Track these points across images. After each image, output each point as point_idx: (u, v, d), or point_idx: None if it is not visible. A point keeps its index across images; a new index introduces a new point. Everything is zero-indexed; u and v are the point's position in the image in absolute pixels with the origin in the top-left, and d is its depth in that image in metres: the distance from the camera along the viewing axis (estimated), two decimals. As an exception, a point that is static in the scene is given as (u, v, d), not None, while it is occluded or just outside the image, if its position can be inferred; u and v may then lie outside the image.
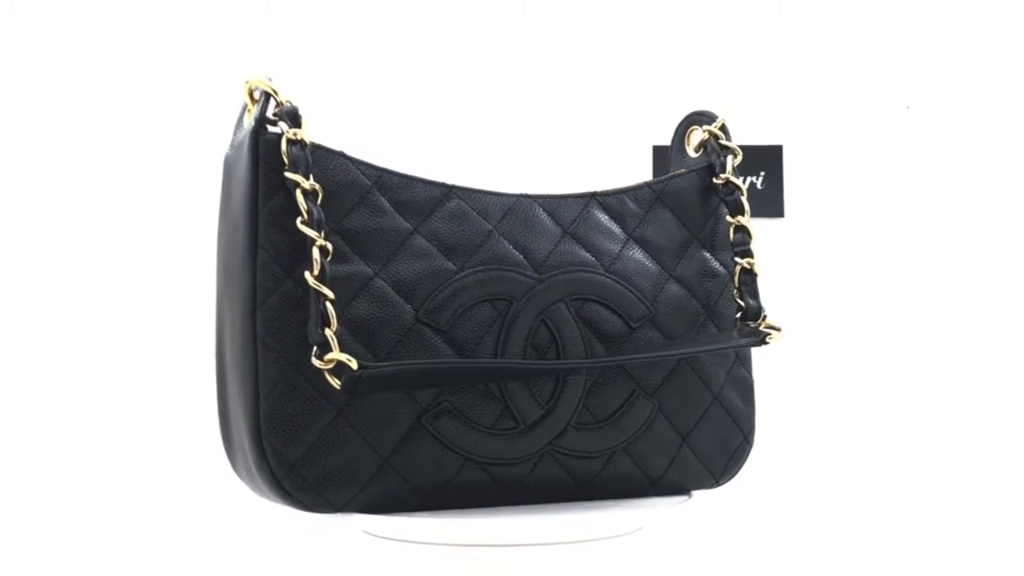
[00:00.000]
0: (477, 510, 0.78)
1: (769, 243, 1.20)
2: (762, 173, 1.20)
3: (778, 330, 0.82)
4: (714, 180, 0.87)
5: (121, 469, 1.17)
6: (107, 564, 1.06)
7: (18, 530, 1.12)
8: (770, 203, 1.20)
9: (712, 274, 0.85)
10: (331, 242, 0.73)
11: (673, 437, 0.82)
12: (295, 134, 0.72)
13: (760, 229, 1.20)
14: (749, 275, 0.84)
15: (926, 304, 1.21)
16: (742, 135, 1.21)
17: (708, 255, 0.86)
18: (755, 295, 0.84)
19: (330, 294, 0.71)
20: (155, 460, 1.18)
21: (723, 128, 0.89)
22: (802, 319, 1.20)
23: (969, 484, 1.17)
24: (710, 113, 0.89)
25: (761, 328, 0.82)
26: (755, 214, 1.19)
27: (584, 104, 1.21)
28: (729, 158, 0.88)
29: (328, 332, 0.70)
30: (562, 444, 0.78)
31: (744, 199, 0.87)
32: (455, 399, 0.75)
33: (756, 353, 1.24)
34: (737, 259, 0.85)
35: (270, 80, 0.74)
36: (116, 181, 1.22)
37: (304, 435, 0.72)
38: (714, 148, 0.88)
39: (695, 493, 0.84)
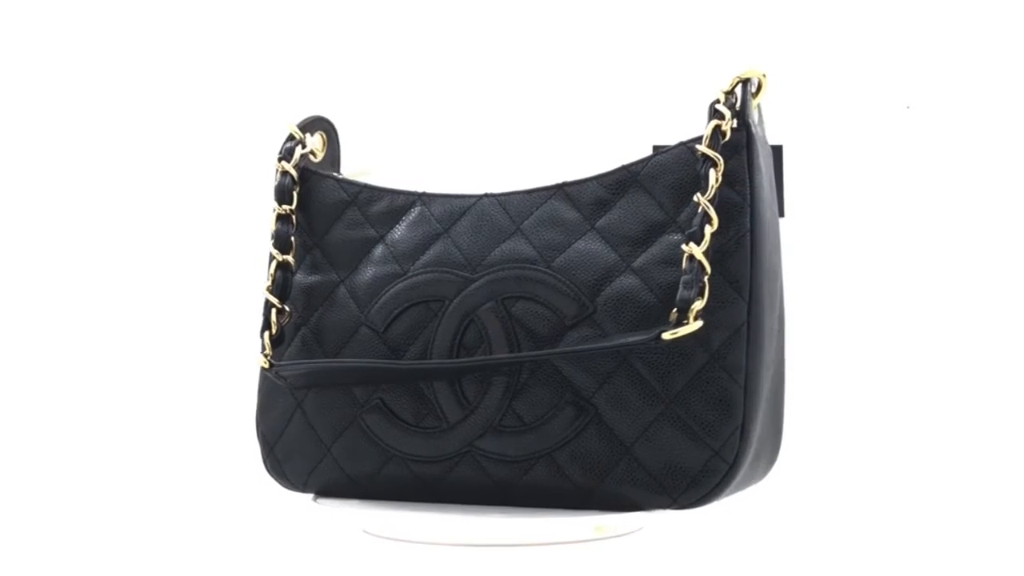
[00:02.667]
0: (477, 509, 0.78)
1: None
2: (762, 173, 1.20)
3: (686, 324, 0.71)
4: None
5: (125, 469, 1.17)
6: (110, 563, 1.06)
7: (21, 525, 1.13)
8: (770, 203, 1.20)
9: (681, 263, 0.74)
10: (313, 256, 0.84)
11: (612, 447, 0.74)
12: (282, 167, 0.84)
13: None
14: (691, 263, 0.72)
15: (927, 304, 1.21)
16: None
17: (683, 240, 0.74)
18: (691, 286, 0.71)
19: (277, 303, 0.82)
20: (159, 460, 1.18)
21: (734, 89, 0.75)
22: (802, 319, 1.20)
23: (972, 487, 1.17)
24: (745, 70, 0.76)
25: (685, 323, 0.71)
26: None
27: (584, 104, 1.21)
28: (712, 124, 0.74)
29: (266, 336, 0.82)
30: (482, 446, 0.77)
31: (715, 174, 0.73)
32: (387, 396, 0.80)
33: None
34: (683, 245, 0.73)
35: (305, 123, 0.86)
36: (125, 184, 1.22)
37: (277, 422, 0.84)
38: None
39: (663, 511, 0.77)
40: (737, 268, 0.74)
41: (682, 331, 0.71)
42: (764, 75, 0.75)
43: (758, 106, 0.76)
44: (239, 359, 1.17)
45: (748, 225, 0.74)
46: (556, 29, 1.23)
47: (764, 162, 0.76)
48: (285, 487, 0.86)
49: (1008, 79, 1.22)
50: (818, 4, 1.22)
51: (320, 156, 0.88)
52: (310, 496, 0.85)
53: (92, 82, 1.23)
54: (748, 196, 0.74)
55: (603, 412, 0.75)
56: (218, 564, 0.90)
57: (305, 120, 0.87)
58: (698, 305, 0.71)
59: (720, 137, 0.74)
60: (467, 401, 0.78)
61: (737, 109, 0.74)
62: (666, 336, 0.71)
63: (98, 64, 1.23)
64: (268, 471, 0.86)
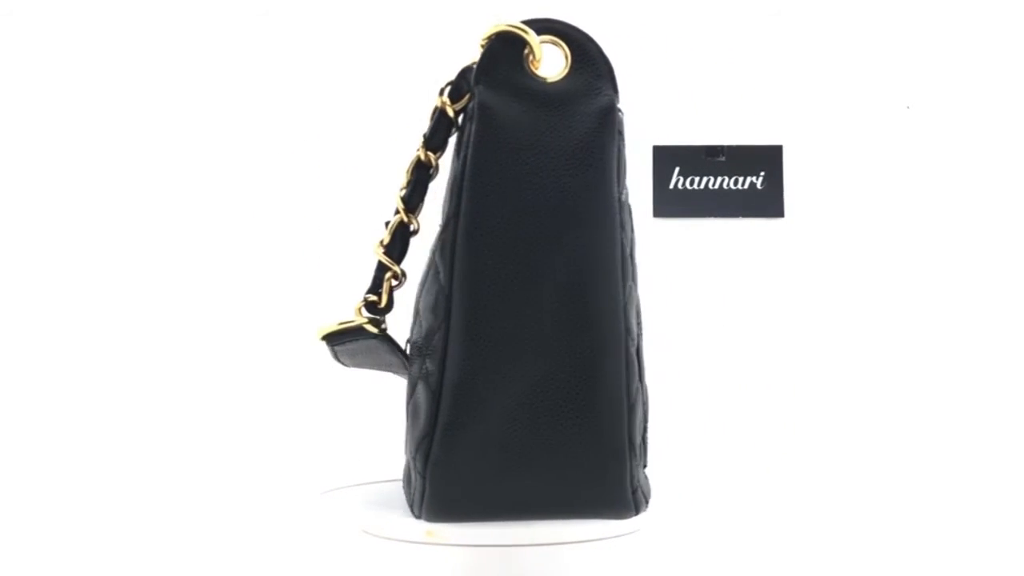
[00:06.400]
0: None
1: (769, 243, 1.20)
2: (762, 173, 1.20)
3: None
4: None
5: (128, 468, 1.18)
6: (112, 561, 1.06)
7: (23, 528, 1.13)
8: (770, 203, 1.20)
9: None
10: None
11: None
12: None
13: (760, 229, 1.20)
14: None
15: (927, 305, 1.21)
16: (742, 135, 1.21)
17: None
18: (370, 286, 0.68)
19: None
20: (159, 460, 1.18)
21: (482, 48, 0.65)
22: (802, 320, 1.20)
23: (973, 487, 1.17)
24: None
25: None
26: (755, 214, 1.20)
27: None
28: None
29: None
30: None
31: (412, 159, 0.67)
32: None
33: (756, 352, 1.25)
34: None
35: None
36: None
37: None
38: None
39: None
40: (442, 260, 0.65)
41: (320, 330, 0.68)
42: (522, 30, 0.64)
43: (582, 65, 0.66)
44: (245, 360, 1.17)
45: (454, 210, 0.65)
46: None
47: (518, 132, 0.64)
48: None
49: (1008, 79, 1.22)
50: (818, 4, 1.22)
51: None
52: (310, 495, 0.86)
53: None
54: (460, 176, 0.65)
55: None
56: (219, 563, 0.90)
57: None
58: (360, 303, 0.68)
59: (440, 115, 0.67)
60: None
61: (470, 76, 0.65)
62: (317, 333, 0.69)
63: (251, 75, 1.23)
64: None
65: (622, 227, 0.66)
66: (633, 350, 0.66)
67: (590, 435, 0.65)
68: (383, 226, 0.69)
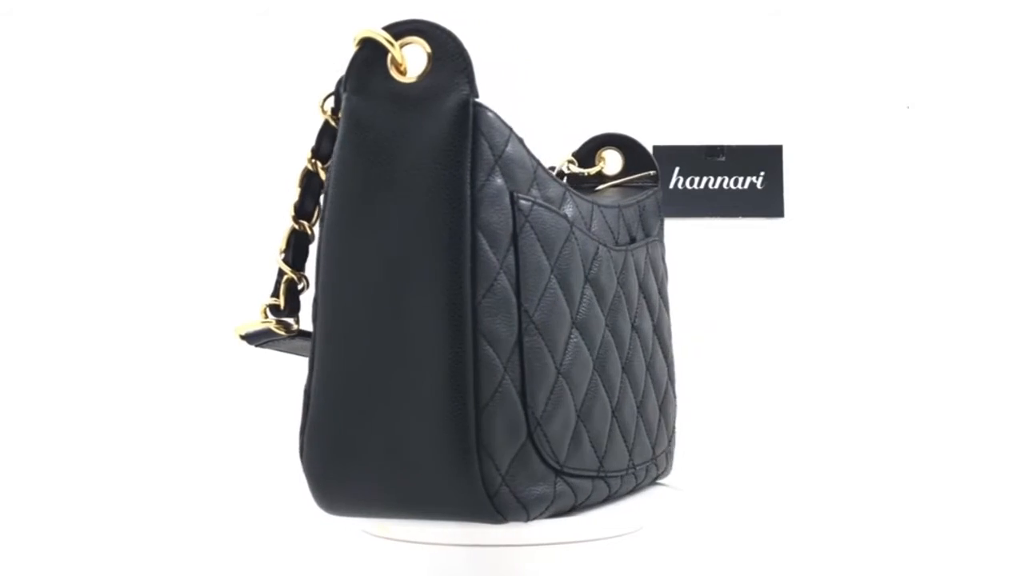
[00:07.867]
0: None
1: (769, 243, 1.20)
2: (762, 173, 1.20)
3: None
4: None
5: (125, 469, 1.18)
6: (111, 562, 1.06)
7: (23, 530, 1.13)
8: (770, 203, 1.20)
9: None
10: None
11: None
12: None
13: (760, 229, 1.21)
14: None
15: (926, 305, 1.21)
16: (742, 135, 1.21)
17: None
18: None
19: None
20: (159, 461, 1.18)
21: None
22: (801, 320, 1.20)
23: (973, 485, 1.17)
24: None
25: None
26: (755, 214, 1.20)
27: (584, 104, 1.21)
28: None
29: None
30: None
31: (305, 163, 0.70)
32: None
33: (756, 351, 1.25)
34: None
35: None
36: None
37: None
38: None
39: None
40: (315, 267, 0.67)
41: (237, 329, 0.72)
42: (381, 36, 0.64)
43: (447, 69, 0.65)
44: (244, 361, 1.17)
45: (320, 216, 0.66)
46: (559, 28, 1.23)
47: (377, 135, 0.64)
48: None
49: (1008, 79, 1.22)
50: (818, 4, 1.22)
51: (617, 170, 0.92)
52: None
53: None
54: (328, 179, 0.66)
55: None
56: (219, 563, 0.90)
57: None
58: (264, 306, 0.72)
59: (324, 125, 0.69)
60: None
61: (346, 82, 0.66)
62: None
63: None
64: None
65: (476, 222, 0.63)
66: (492, 352, 0.64)
67: (438, 437, 0.64)
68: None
